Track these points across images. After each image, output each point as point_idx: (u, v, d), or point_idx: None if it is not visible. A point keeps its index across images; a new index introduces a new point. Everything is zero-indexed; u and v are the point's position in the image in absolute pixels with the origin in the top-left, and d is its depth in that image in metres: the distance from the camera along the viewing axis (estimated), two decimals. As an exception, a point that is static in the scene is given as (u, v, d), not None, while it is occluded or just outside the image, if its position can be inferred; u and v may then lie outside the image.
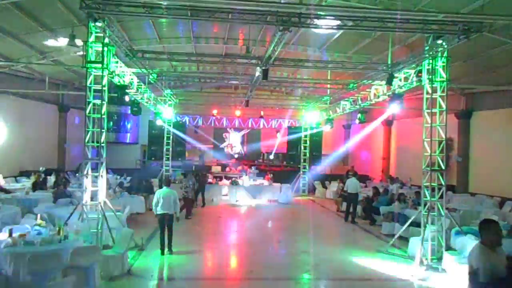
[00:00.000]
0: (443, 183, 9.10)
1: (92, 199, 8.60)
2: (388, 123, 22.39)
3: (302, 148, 21.60)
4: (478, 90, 16.04)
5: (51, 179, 15.53)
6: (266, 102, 21.95)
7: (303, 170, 21.47)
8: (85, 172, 8.49)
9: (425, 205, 9.11)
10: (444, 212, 9.06)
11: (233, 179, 19.40)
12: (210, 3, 6.57)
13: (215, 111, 23.11)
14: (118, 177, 18.67)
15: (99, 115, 8.62)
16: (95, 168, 8.81)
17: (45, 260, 6.05)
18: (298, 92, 22.04)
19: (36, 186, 13.69)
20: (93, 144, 8.67)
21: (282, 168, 24.26)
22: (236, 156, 25.86)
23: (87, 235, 7.94)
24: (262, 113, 22.95)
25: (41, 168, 16.78)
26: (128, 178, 17.96)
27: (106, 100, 8.66)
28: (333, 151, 25.77)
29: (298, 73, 18.17)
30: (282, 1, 6.62)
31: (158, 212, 9.11)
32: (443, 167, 9.12)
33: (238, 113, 23.09)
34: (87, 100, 8.57)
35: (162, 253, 9.11)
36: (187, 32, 14.03)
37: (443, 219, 9.00)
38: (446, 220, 9.18)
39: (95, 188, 8.55)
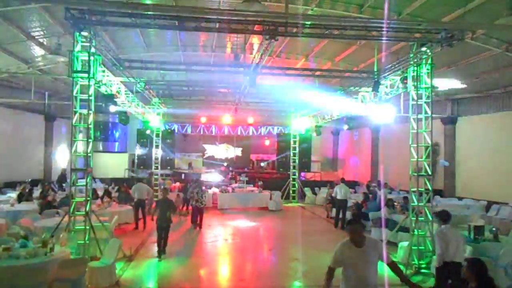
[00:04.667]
0: (430, 188, 9.21)
1: (79, 209, 8.49)
2: (375, 128, 22.62)
3: (292, 155, 21.66)
4: (463, 96, 16.33)
5: (38, 190, 15.27)
6: (255, 109, 21.98)
7: (293, 177, 21.51)
8: (71, 182, 8.40)
9: (413, 210, 9.21)
10: (431, 216, 9.16)
11: (223, 187, 19.33)
12: (197, 13, 6.59)
13: (203, 119, 23.05)
14: (106, 186, 18.46)
15: (85, 125, 8.55)
16: (82, 178, 8.71)
17: (30, 274, 5.93)
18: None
19: (21, 197, 13.44)
20: (79, 154, 8.60)
21: (272, 175, 24.26)
22: (225, 164, 25.80)
23: (74, 247, 7.82)
24: (251, 120, 22.97)
25: (27, 179, 16.51)
26: (116, 188, 17.76)
27: (93, 109, 8.60)
28: (323, 157, 25.95)
29: (286, 81, 18.27)
30: (268, 11, 6.67)
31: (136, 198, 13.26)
32: (429, 172, 9.23)
33: (227, 120, 23.07)
34: (73, 109, 8.49)
35: (137, 227, 12.92)
36: (175, 40, 14.03)
37: (430, 224, 9.10)
38: (433, 224, 9.28)
39: (82, 198, 8.45)
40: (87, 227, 8.14)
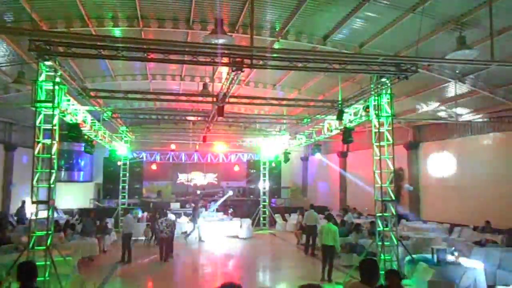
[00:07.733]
0: (394, 213, 9.49)
1: (40, 244, 8.11)
2: (342, 154, 23.16)
3: (262, 181, 21.72)
4: (423, 123, 17.14)
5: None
6: (224, 137, 22.08)
7: (263, 203, 21.49)
8: (31, 215, 8.05)
9: (379, 234, 9.41)
10: (396, 241, 9.39)
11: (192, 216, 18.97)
12: (165, 45, 6.70)
13: (173, 146, 22.87)
14: (69, 218, 17.74)
15: (49, 155, 8.31)
16: (43, 210, 8.36)
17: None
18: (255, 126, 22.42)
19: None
20: (41, 186, 8.30)
21: (242, 202, 24.12)
22: (198, 192, 25.43)
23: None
24: (221, 148, 23.02)
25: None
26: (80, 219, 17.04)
27: (57, 139, 8.40)
28: (292, 183, 26.18)
29: (255, 108, 18.59)
30: (234, 44, 6.89)
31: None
32: (393, 197, 9.53)
33: (196, 148, 22.99)
34: (36, 140, 8.26)
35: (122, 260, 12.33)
36: (143, 69, 14.06)
37: (396, 248, 9.32)
38: (399, 248, 9.51)
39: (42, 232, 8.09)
40: (48, 262, 7.77)
